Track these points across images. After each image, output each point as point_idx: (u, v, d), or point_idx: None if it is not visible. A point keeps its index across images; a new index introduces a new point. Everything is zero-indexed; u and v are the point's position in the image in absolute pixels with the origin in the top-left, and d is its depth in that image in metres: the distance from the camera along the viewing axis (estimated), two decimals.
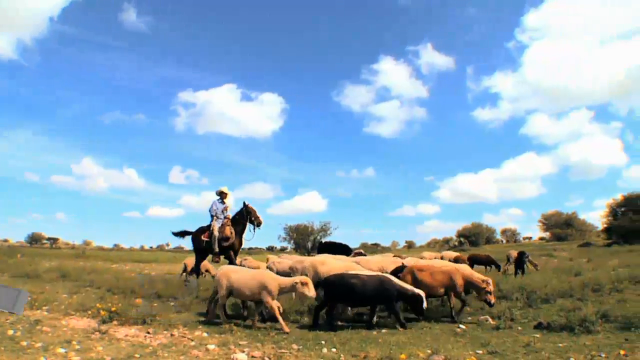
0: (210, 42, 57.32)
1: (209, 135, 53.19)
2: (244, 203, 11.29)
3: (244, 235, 11.18)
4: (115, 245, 51.42)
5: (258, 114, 52.13)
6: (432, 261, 10.26)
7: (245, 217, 11.01)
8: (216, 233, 10.82)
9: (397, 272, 8.29)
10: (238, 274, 7.09)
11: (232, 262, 10.59)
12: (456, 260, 12.25)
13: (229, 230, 10.91)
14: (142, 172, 54.55)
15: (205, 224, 11.40)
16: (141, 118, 52.79)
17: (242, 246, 11.50)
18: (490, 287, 7.48)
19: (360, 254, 15.97)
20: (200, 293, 8.91)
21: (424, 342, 5.85)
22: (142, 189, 52.90)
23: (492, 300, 7.46)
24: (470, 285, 7.65)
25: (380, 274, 7.48)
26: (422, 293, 6.94)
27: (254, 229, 11.12)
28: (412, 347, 5.40)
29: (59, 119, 51.52)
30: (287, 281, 6.91)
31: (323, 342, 5.74)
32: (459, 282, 7.53)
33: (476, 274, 7.82)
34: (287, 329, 6.43)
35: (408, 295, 6.88)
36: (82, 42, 51.48)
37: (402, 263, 9.73)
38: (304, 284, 6.69)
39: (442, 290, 7.61)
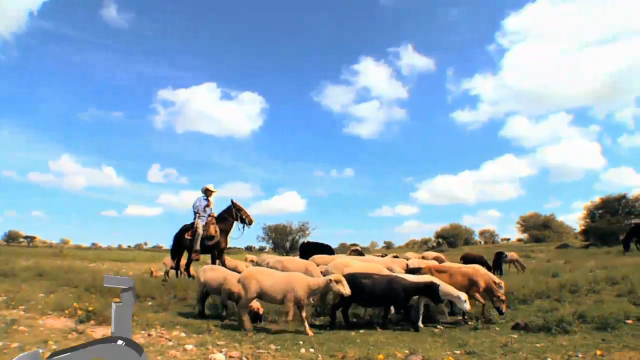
0: (190, 40, 56.71)
1: (188, 133, 52.76)
2: (232, 201, 11.21)
3: (230, 234, 11.10)
4: (93, 244, 50.14)
5: (238, 113, 52.04)
6: (449, 263, 10.33)
7: (235, 215, 10.93)
8: (200, 231, 10.72)
9: (412, 272, 8.32)
10: (268, 277, 6.77)
11: (214, 262, 10.50)
12: (436, 260, 12.29)
13: (214, 229, 10.81)
14: (120, 170, 53.84)
15: (183, 223, 11.32)
16: (120, 116, 52.14)
17: (228, 245, 11.43)
18: (504, 296, 7.41)
19: (357, 252, 15.93)
20: (178, 293, 8.82)
21: (402, 342, 5.85)
22: (121, 188, 52.06)
23: (504, 308, 7.29)
24: (485, 290, 7.54)
25: (392, 274, 7.47)
26: (437, 281, 6.98)
27: (244, 227, 11.06)
28: (390, 347, 5.40)
29: (38, 115, 50.13)
30: (318, 281, 6.65)
31: (301, 342, 5.71)
32: (481, 284, 7.46)
33: (493, 277, 7.76)
34: (284, 328, 6.36)
35: (420, 288, 6.86)
36: (62, 38, 50.18)
37: (407, 264, 9.79)
38: (337, 281, 6.41)
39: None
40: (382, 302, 7.06)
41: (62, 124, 52.09)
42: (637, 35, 43.63)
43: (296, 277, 6.75)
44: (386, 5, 51.37)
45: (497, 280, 7.68)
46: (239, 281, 6.97)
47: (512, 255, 17.53)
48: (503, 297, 7.33)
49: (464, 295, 6.91)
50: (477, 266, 8.50)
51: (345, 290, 6.38)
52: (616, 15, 43.81)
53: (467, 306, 6.87)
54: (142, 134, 54.06)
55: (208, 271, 7.79)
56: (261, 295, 6.72)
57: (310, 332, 6.25)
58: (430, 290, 6.81)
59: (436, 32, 53.61)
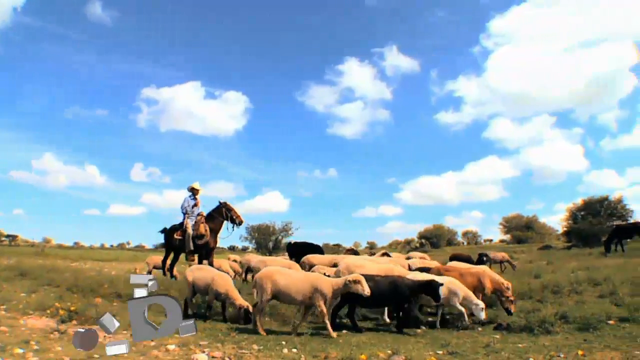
0: (175, 39, 56.60)
1: (171, 132, 52.41)
2: (220, 202, 11.13)
3: (220, 234, 11.03)
4: (76, 243, 49.05)
5: (222, 112, 51.80)
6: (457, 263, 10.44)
7: (226, 215, 10.85)
8: (190, 231, 10.61)
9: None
10: (286, 277, 6.58)
11: (201, 262, 10.42)
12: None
13: (204, 228, 10.71)
14: (103, 169, 53.53)
15: (166, 222, 11.24)
16: (103, 114, 51.56)
17: (217, 244, 11.35)
18: (513, 296, 7.49)
19: (353, 252, 15.93)
20: (161, 293, 8.72)
21: (384, 342, 5.88)
22: (103, 186, 51.48)
23: (513, 309, 7.34)
24: (493, 290, 7.61)
25: (395, 275, 7.44)
26: (438, 280, 6.98)
27: (233, 227, 11.00)
28: (372, 348, 5.41)
29: (20, 113, 49.44)
30: (338, 282, 6.47)
31: (284, 342, 5.70)
32: (489, 285, 7.55)
33: (500, 279, 7.81)
34: (334, 334, 6.22)
35: (423, 285, 6.84)
36: (45, 34, 49.73)
37: (409, 265, 9.80)
38: (356, 282, 6.27)
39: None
40: (385, 303, 7.05)
41: (46, 122, 51.62)
42: (620, 38, 44.50)
43: (319, 277, 6.64)
44: (371, 6, 51.68)
45: (503, 281, 7.74)
46: (254, 283, 6.86)
47: (503, 255, 17.77)
48: (512, 298, 7.43)
49: (481, 304, 6.95)
50: (484, 267, 8.56)
51: (365, 290, 6.23)
52: (600, 19, 44.70)
53: (483, 315, 6.89)
54: (125, 133, 53.63)
55: (196, 271, 7.75)
56: (278, 296, 6.57)
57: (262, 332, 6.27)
58: (431, 288, 6.79)
59: (421, 33, 54.10)
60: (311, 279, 6.53)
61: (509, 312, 7.29)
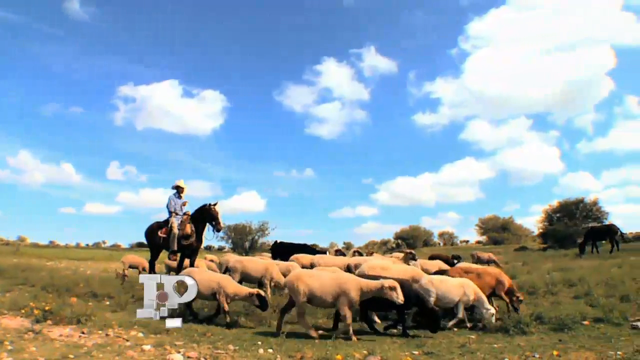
0: (153, 36, 56.06)
1: (148, 131, 51.88)
2: (211, 205, 11.02)
3: (204, 234, 10.93)
4: (51, 242, 47.92)
5: (199, 111, 51.60)
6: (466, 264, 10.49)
7: (206, 217, 10.75)
8: (176, 231, 10.46)
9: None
10: (317, 279, 6.40)
11: (182, 263, 10.30)
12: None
13: (189, 228, 10.59)
14: (79, 167, 52.83)
15: (142, 221, 11.10)
16: (79, 111, 50.88)
17: (202, 245, 11.24)
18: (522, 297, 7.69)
19: (340, 253, 15.90)
20: (137, 292, 8.63)
21: (360, 342, 5.88)
22: (79, 185, 50.85)
23: (519, 308, 7.54)
24: (507, 290, 7.71)
25: (401, 278, 7.30)
26: (472, 285, 7.06)
27: (213, 230, 10.90)
28: (348, 348, 5.42)
29: None
30: (371, 284, 6.19)
31: (259, 342, 5.69)
32: (501, 287, 7.65)
33: (509, 280, 7.96)
34: (354, 338, 6.04)
35: (425, 307, 6.68)
36: (22, 29, 48.67)
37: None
38: (392, 288, 6.04)
39: (488, 293, 7.61)
40: (387, 306, 6.89)
41: (21, 119, 50.83)
42: (598, 42, 45.16)
43: (347, 278, 6.47)
44: (350, 7, 52.07)
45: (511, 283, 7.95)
46: (285, 285, 6.72)
47: (489, 255, 18.00)
48: (522, 298, 7.64)
49: (492, 309, 7.01)
50: (497, 268, 8.64)
51: (399, 298, 6.02)
52: (578, 24, 45.54)
53: (492, 320, 6.86)
54: (101, 131, 53.24)
55: (195, 274, 7.58)
56: (310, 299, 6.38)
57: (314, 334, 6.16)
58: (429, 314, 6.68)
59: (399, 34, 54.79)
60: (339, 280, 6.37)
61: (517, 311, 7.43)
